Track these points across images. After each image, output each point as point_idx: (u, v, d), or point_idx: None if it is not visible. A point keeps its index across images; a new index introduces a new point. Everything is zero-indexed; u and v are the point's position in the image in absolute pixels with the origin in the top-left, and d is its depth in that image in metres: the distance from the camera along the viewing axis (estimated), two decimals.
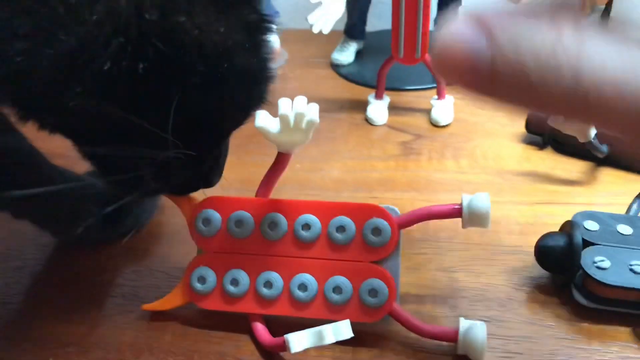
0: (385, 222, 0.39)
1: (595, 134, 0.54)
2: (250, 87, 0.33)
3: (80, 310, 0.43)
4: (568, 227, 0.43)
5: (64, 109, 0.27)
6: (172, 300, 0.41)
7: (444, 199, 0.40)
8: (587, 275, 0.40)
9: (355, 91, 0.74)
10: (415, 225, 0.43)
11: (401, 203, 0.53)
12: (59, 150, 0.46)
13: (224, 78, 0.30)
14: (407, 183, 0.56)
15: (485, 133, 0.64)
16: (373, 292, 0.38)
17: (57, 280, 0.46)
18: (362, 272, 0.39)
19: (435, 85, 0.69)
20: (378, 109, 0.66)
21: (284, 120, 0.34)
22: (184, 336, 0.41)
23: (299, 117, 0.34)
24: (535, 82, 0.16)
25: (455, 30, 0.17)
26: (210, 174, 0.37)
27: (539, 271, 0.45)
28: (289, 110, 0.34)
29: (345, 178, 0.57)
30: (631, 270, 0.40)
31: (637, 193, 0.46)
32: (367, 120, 0.66)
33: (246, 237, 0.39)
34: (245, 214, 0.39)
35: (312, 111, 0.35)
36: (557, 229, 0.50)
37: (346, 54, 0.78)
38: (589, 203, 0.53)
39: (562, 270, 0.42)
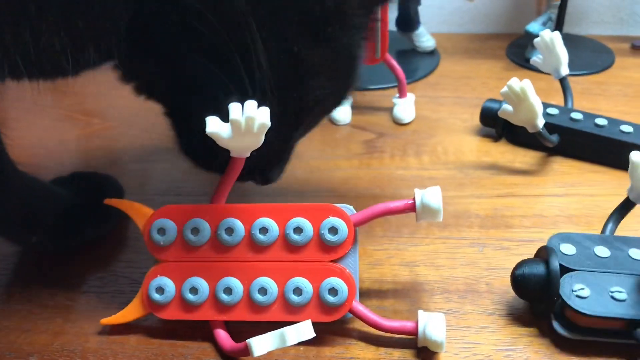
0: (341, 221, 0.39)
1: (545, 124, 0.54)
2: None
3: (43, 318, 0.43)
4: (544, 253, 0.41)
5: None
6: (131, 313, 0.40)
7: (407, 196, 0.40)
8: (566, 305, 0.38)
9: None
10: (377, 222, 0.43)
11: (364, 201, 0.53)
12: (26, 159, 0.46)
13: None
14: (371, 181, 0.56)
15: (445, 129, 0.64)
16: (333, 291, 0.38)
17: (19, 289, 0.46)
18: (321, 272, 0.39)
19: (396, 84, 0.69)
20: (342, 109, 0.66)
21: (235, 125, 0.34)
22: (148, 341, 0.40)
23: (249, 121, 0.34)
24: None
25: None
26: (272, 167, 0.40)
27: (496, 263, 0.46)
28: (240, 115, 0.34)
29: (309, 178, 0.57)
30: (612, 297, 0.38)
31: (612, 211, 0.44)
32: (332, 121, 0.66)
33: (203, 244, 0.39)
34: (201, 221, 0.39)
35: (262, 115, 0.35)
36: (516, 220, 0.50)
37: None
38: (546, 194, 0.53)
39: (540, 299, 0.40)
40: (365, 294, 0.44)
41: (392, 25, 0.81)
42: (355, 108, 0.68)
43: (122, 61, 0.34)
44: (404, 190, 0.55)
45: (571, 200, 0.53)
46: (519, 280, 0.40)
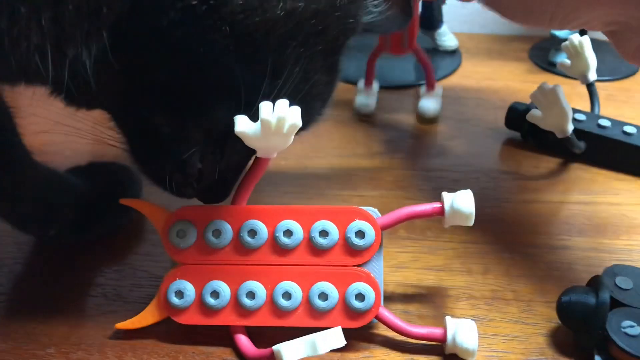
0: (368, 224, 0.37)
1: (573, 130, 0.53)
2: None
3: (60, 310, 0.41)
4: (596, 283, 0.38)
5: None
6: (148, 317, 0.38)
7: (430, 198, 0.39)
8: (611, 341, 0.35)
9: (340, 88, 0.72)
10: (401, 224, 0.42)
11: (387, 201, 0.52)
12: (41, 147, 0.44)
13: None
14: (393, 181, 0.55)
15: (468, 131, 0.62)
16: (360, 296, 0.37)
17: (36, 279, 0.45)
18: (347, 277, 0.37)
19: (422, 82, 0.67)
20: (367, 97, 0.65)
21: (265, 124, 0.33)
22: (168, 336, 0.39)
23: (280, 121, 0.33)
24: None
25: None
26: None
27: (522, 270, 0.45)
28: (271, 114, 0.33)
29: (330, 175, 0.56)
30: None
31: None
32: (356, 110, 0.65)
33: (224, 247, 0.37)
34: (223, 223, 0.37)
35: (294, 115, 0.33)
36: (542, 227, 0.49)
37: None
38: (572, 201, 0.52)
39: (585, 330, 0.37)
40: (390, 298, 0.42)
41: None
42: (377, 106, 0.67)
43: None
44: (427, 192, 0.53)
45: (597, 209, 0.51)
46: (564, 307, 0.37)
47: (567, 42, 0.58)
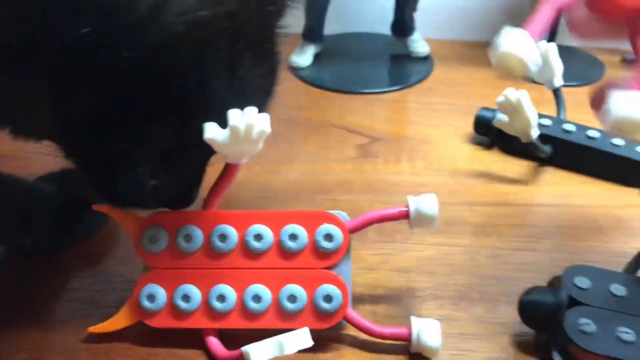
0: (336, 228, 0.38)
1: (539, 135, 0.54)
2: None
3: (33, 315, 0.41)
4: (556, 283, 0.39)
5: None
6: (120, 321, 0.39)
7: (400, 201, 0.40)
8: (568, 339, 0.36)
9: (313, 94, 0.73)
10: (370, 227, 0.42)
11: (358, 205, 0.53)
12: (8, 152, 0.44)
13: None
14: (364, 185, 0.56)
15: (439, 136, 0.64)
16: (328, 298, 0.38)
17: (10, 284, 0.45)
18: (316, 279, 0.38)
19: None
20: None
21: (234, 131, 0.34)
22: (141, 340, 0.39)
23: (249, 127, 0.34)
24: None
25: None
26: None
27: (488, 271, 0.46)
28: (240, 121, 0.33)
29: (303, 180, 0.56)
30: (618, 338, 0.36)
31: (638, 251, 0.42)
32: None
33: (195, 251, 0.38)
34: (194, 228, 0.38)
35: (263, 121, 0.34)
36: (508, 229, 0.50)
37: (304, 57, 0.77)
38: (538, 204, 0.53)
39: (544, 329, 0.38)
40: (359, 300, 0.43)
41: (387, 30, 0.80)
42: (349, 111, 0.68)
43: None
44: (397, 196, 0.53)
45: (562, 211, 0.52)
46: (525, 307, 0.39)
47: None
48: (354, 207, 0.52)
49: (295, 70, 0.77)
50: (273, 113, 0.67)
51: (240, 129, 0.33)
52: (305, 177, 0.57)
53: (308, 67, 0.78)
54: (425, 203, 0.38)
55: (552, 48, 0.59)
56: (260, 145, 0.35)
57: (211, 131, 0.34)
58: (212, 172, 0.39)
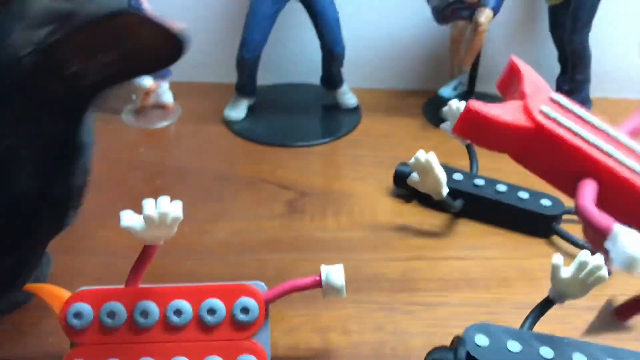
0: (252, 301, 0.41)
1: (451, 190, 0.58)
2: None
3: None
4: (457, 341, 0.42)
5: None
6: None
7: (325, 258, 0.42)
8: None
9: (246, 148, 0.76)
10: None
11: (284, 265, 0.56)
12: None
13: None
14: (291, 243, 0.59)
15: (363, 189, 0.67)
16: None
17: None
18: (234, 349, 0.41)
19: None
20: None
21: (148, 220, 0.36)
22: None
23: (163, 216, 0.36)
24: None
25: None
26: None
27: (402, 327, 0.49)
28: (153, 210, 0.36)
29: (232, 240, 0.59)
30: None
31: (534, 306, 0.44)
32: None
33: (119, 327, 0.40)
34: (117, 305, 0.40)
35: (175, 209, 0.37)
36: (421, 284, 0.54)
37: (237, 111, 0.80)
38: (450, 257, 0.57)
39: None
40: None
41: (317, 81, 0.84)
42: (280, 166, 0.71)
43: None
44: (322, 254, 0.57)
45: (471, 264, 0.56)
46: None
47: (446, 107, 0.64)
48: (280, 266, 0.55)
49: (229, 124, 0.80)
50: (206, 169, 0.70)
51: (155, 218, 0.36)
52: (234, 236, 0.59)
53: (242, 120, 0.80)
54: (333, 274, 0.41)
55: (463, 106, 0.64)
56: (175, 229, 0.38)
57: (127, 219, 0.36)
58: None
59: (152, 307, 0.40)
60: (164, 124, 0.80)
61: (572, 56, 0.78)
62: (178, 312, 0.40)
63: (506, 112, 0.28)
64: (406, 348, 0.47)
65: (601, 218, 0.22)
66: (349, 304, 0.51)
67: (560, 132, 0.28)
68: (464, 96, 0.85)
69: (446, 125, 0.66)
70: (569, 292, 0.41)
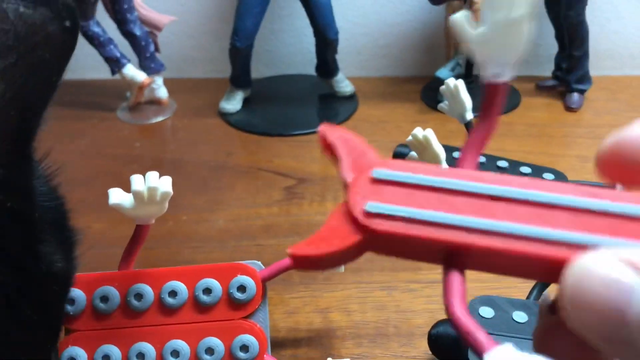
0: (249, 279, 0.40)
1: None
2: None
3: None
4: None
5: None
6: None
7: None
8: None
9: (243, 138, 0.75)
10: (295, 270, 0.44)
11: (283, 249, 0.54)
12: None
13: None
14: (290, 228, 0.58)
15: None
16: (244, 347, 0.39)
17: None
18: (232, 330, 0.40)
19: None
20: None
21: (137, 196, 0.35)
22: None
23: (152, 191, 0.35)
24: None
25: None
26: None
27: (405, 305, 0.48)
28: (142, 185, 0.35)
29: (230, 227, 0.58)
30: None
31: None
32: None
33: (113, 312, 0.39)
34: (110, 289, 0.39)
35: (164, 184, 0.36)
36: (424, 264, 0.53)
37: (233, 103, 0.80)
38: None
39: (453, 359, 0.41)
40: (281, 344, 0.45)
41: (312, 71, 0.83)
42: (277, 154, 0.70)
43: None
44: None
45: None
46: (433, 340, 0.41)
47: (444, 86, 0.63)
48: (279, 251, 0.54)
49: (225, 116, 0.79)
50: (202, 160, 0.69)
51: (144, 193, 0.35)
52: (232, 223, 0.58)
53: (237, 112, 0.80)
54: None
55: (460, 84, 0.63)
56: (166, 205, 0.37)
57: (115, 196, 0.35)
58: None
59: (147, 289, 0.39)
60: (160, 119, 0.80)
61: (569, 32, 0.77)
62: (173, 294, 0.39)
63: (333, 234, 0.19)
64: (409, 325, 0.46)
65: (477, 334, 0.17)
66: (350, 284, 0.50)
67: (396, 227, 0.18)
68: (462, 78, 0.84)
69: (444, 105, 0.65)
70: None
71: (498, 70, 0.20)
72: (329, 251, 0.20)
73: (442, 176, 0.19)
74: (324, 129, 0.22)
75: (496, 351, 0.16)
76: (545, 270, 0.17)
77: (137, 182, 0.35)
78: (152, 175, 0.35)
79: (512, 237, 0.17)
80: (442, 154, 0.56)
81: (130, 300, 0.39)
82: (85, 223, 0.57)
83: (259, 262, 0.42)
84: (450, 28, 0.81)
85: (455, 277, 0.19)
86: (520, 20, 0.19)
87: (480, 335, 0.17)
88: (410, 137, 0.55)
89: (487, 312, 0.41)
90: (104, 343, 0.39)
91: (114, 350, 0.39)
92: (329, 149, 0.22)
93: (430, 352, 0.43)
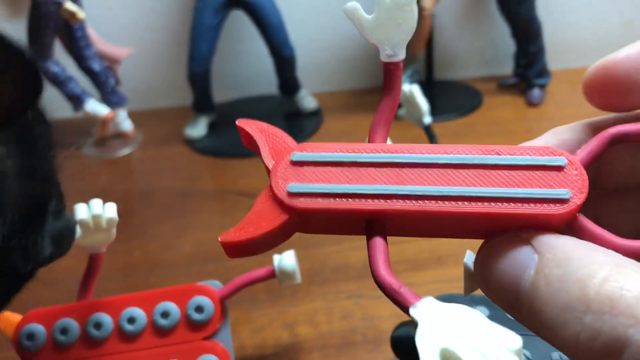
0: (206, 299, 0.41)
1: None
2: None
3: None
4: None
5: None
6: None
7: None
8: None
9: (208, 163, 0.76)
10: (260, 287, 0.45)
11: (249, 267, 0.55)
12: None
13: None
14: None
15: None
16: None
17: None
18: (193, 351, 0.40)
19: None
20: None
21: (83, 224, 0.36)
22: None
23: (96, 219, 0.36)
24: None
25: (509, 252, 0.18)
26: None
27: (372, 312, 0.49)
28: (86, 214, 0.36)
29: (196, 251, 0.59)
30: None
31: None
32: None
33: (74, 343, 0.40)
34: (69, 321, 0.40)
35: (109, 210, 0.37)
36: (394, 268, 0.53)
37: (198, 128, 0.81)
38: (417, 239, 0.57)
39: None
40: None
41: (276, 90, 0.85)
42: (242, 175, 0.71)
43: None
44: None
45: (440, 242, 0.56)
46: (394, 342, 0.42)
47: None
48: (245, 270, 0.55)
49: (190, 142, 0.80)
50: (168, 188, 0.70)
51: (89, 222, 0.36)
52: (197, 248, 0.59)
53: (203, 137, 0.81)
54: (284, 259, 0.41)
55: (415, 90, 0.64)
56: (114, 232, 0.38)
57: None
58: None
59: (105, 318, 0.40)
60: (126, 151, 0.81)
61: (522, 28, 0.79)
62: (131, 320, 0.40)
63: (260, 217, 0.21)
64: (377, 332, 0.47)
65: (402, 290, 0.19)
66: (317, 297, 0.51)
67: (317, 204, 0.20)
68: (422, 84, 0.86)
69: (402, 112, 0.66)
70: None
71: (392, 51, 0.21)
72: (258, 234, 0.21)
73: (355, 151, 0.21)
74: (241, 122, 0.23)
75: (420, 303, 0.17)
76: (459, 225, 0.20)
77: (81, 211, 0.36)
78: (96, 202, 0.36)
79: (424, 198, 0.19)
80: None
81: (89, 330, 0.40)
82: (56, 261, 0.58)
83: (217, 282, 0.42)
84: None
85: (377, 242, 0.20)
86: (407, 2, 0.20)
87: (404, 291, 0.18)
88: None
89: None
90: None
91: None
92: (249, 141, 0.24)
93: (393, 357, 0.44)
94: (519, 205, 0.19)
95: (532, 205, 0.18)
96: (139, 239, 0.61)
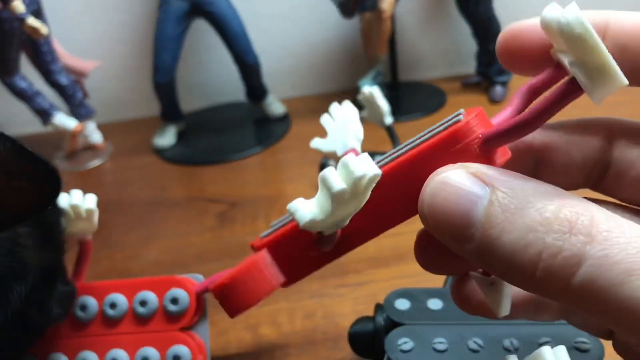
0: (183, 292, 0.45)
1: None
2: None
3: None
4: (378, 310, 0.43)
5: None
6: None
7: None
8: None
9: (177, 172, 0.79)
10: None
11: (215, 272, 0.56)
12: None
13: None
14: (221, 252, 0.60)
15: (293, 189, 0.71)
16: (176, 358, 0.42)
17: None
18: (167, 340, 0.44)
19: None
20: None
21: (66, 214, 0.39)
22: None
23: (75, 208, 0.38)
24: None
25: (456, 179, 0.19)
26: None
27: (333, 310, 0.50)
28: (65, 203, 0.38)
29: (162, 259, 0.61)
30: (434, 349, 0.39)
31: None
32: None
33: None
34: None
35: (88, 201, 0.39)
36: (351, 267, 0.55)
37: (167, 137, 0.83)
38: (381, 236, 0.58)
39: (373, 356, 0.42)
40: None
41: (243, 97, 0.86)
42: (210, 182, 0.72)
43: None
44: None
45: (402, 239, 0.57)
46: (351, 338, 0.44)
47: (360, 95, 0.66)
48: (210, 275, 0.56)
49: (159, 152, 0.81)
50: (137, 198, 0.70)
51: (70, 211, 0.38)
52: (164, 255, 0.61)
53: (172, 146, 0.82)
54: None
55: (375, 91, 0.66)
56: (95, 220, 0.42)
57: None
58: None
59: (91, 301, 0.46)
60: (96, 163, 0.82)
61: (482, 28, 0.81)
62: (113, 305, 0.45)
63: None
64: (337, 329, 0.49)
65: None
66: (280, 298, 0.53)
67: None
68: (387, 85, 0.88)
69: (364, 113, 0.68)
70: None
71: None
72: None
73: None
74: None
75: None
76: (392, 189, 0.24)
77: (64, 200, 0.38)
78: (75, 193, 0.39)
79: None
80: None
81: (76, 311, 0.43)
82: None
83: (200, 275, 0.44)
84: (366, 38, 0.85)
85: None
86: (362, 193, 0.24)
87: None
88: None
89: (403, 304, 0.43)
90: (53, 351, 0.45)
91: (62, 359, 0.44)
92: None
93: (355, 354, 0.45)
94: (430, 141, 0.22)
95: (439, 135, 0.21)
96: (106, 249, 0.62)
